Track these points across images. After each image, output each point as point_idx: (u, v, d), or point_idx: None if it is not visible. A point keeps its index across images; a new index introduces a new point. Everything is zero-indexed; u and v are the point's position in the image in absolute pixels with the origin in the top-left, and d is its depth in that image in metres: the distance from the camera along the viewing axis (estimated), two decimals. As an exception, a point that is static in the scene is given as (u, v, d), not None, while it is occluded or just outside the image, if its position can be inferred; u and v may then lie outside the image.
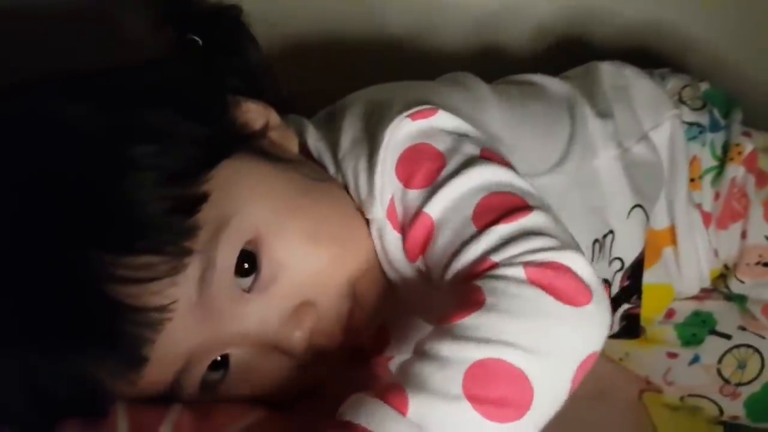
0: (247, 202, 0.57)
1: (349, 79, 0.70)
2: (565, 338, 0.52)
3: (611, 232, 0.71)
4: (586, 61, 0.80)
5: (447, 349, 0.50)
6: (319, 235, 0.60)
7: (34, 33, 0.84)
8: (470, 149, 0.60)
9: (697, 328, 0.80)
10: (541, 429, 0.51)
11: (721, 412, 0.80)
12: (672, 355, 0.80)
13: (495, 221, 0.55)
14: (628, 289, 0.74)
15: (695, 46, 0.93)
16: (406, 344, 0.69)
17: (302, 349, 0.59)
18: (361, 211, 0.63)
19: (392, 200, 0.60)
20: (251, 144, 0.61)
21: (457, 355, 0.50)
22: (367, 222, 0.63)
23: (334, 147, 0.64)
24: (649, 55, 0.91)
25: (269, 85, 0.67)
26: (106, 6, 0.85)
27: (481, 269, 0.54)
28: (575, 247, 0.55)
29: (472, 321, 0.51)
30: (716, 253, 0.78)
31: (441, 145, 0.60)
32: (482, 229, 0.55)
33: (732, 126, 0.78)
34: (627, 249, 0.73)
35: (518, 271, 0.53)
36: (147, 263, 0.53)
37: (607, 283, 0.72)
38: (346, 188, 0.63)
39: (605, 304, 0.54)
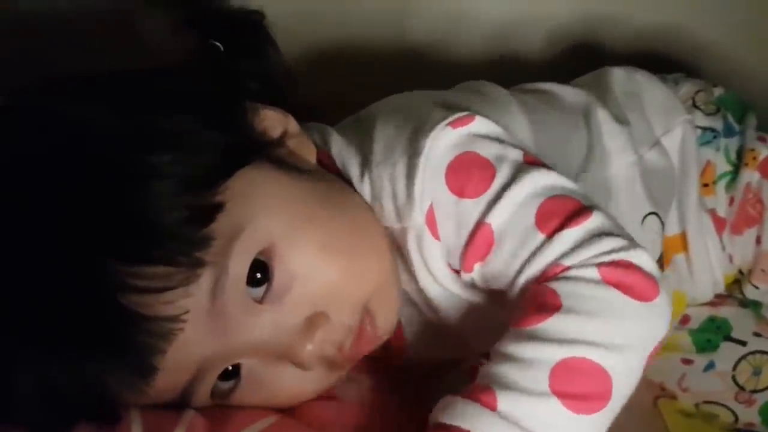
0: (261, 212, 0.57)
1: (368, 86, 0.70)
2: (639, 332, 0.56)
3: None
4: (601, 66, 0.80)
5: (530, 351, 0.54)
6: (333, 246, 0.59)
7: (56, 36, 0.85)
8: (515, 154, 0.61)
9: (712, 334, 0.80)
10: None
11: (737, 419, 0.79)
12: (687, 362, 0.80)
13: (561, 227, 0.57)
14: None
15: (709, 51, 0.93)
16: (422, 350, 0.69)
17: (313, 361, 0.58)
18: (385, 225, 0.63)
19: (431, 207, 0.60)
20: (268, 153, 0.61)
21: (541, 356, 0.53)
22: (388, 232, 0.62)
23: (366, 155, 0.63)
24: (662, 60, 0.91)
25: (290, 92, 0.67)
26: (129, 9, 0.85)
27: (554, 273, 0.57)
28: (637, 242, 0.58)
29: (551, 324, 0.54)
30: (731, 259, 0.77)
31: (486, 152, 0.61)
32: (551, 235, 0.57)
33: (746, 131, 0.78)
34: None
35: (592, 272, 0.56)
36: (161, 273, 0.52)
37: None
38: (373, 196, 0.63)
39: (667, 293, 0.58)
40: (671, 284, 0.76)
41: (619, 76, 0.78)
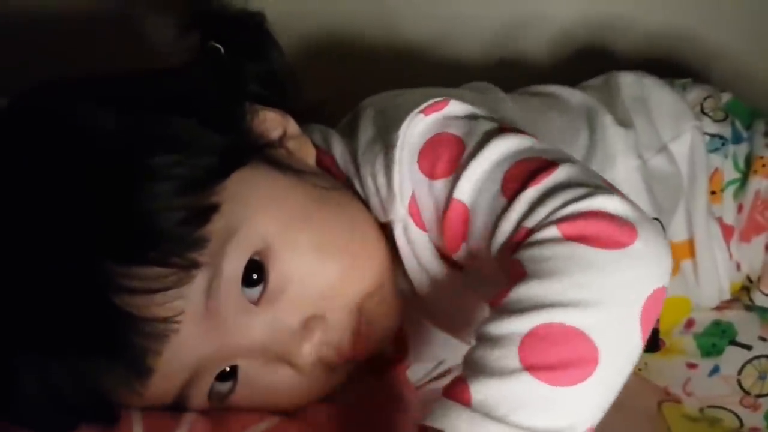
0: (256, 213, 0.57)
1: (367, 87, 0.69)
2: (615, 282, 0.50)
3: None
4: (606, 71, 0.80)
5: (496, 327, 0.49)
6: (329, 247, 0.59)
7: (58, 37, 0.85)
8: (486, 126, 0.59)
9: (717, 339, 0.79)
10: (621, 385, 0.50)
11: (741, 423, 0.79)
12: (692, 366, 0.80)
13: (522, 188, 0.54)
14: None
15: (717, 56, 0.93)
16: (424, 351, 0.69)
17: (311, 362, 0.58)
18: (380, 222, 0.63)
19: (413, 197, 0.60)
20: (266, 153, 0.61)
21: (507, 330, 0.49)
22: (383, 229, 0.63)
23: (353, 154, 0.64)
24: (670, 65, 0.91)
25: (292, 92, 0.67)
26: (132, 11, 0.85)
27: (518, 239, 0.53)
28: (606, 188, 0.54)
29: (515, 294, 0.50)
30: (738, 267, 0.77)
31: (457, 130, 0.60)
32: (511, 199, 0.54)
33: (755, 138, 0.78)
34: None
35: (552, 231, 0.52)
36: (153, 274, 0.53)
37: None
38: (366, 196, 0.63)
39: (655, 235, 0.53)
40: (677, 291, 0.76)
41: (627, 81, 0.78)
